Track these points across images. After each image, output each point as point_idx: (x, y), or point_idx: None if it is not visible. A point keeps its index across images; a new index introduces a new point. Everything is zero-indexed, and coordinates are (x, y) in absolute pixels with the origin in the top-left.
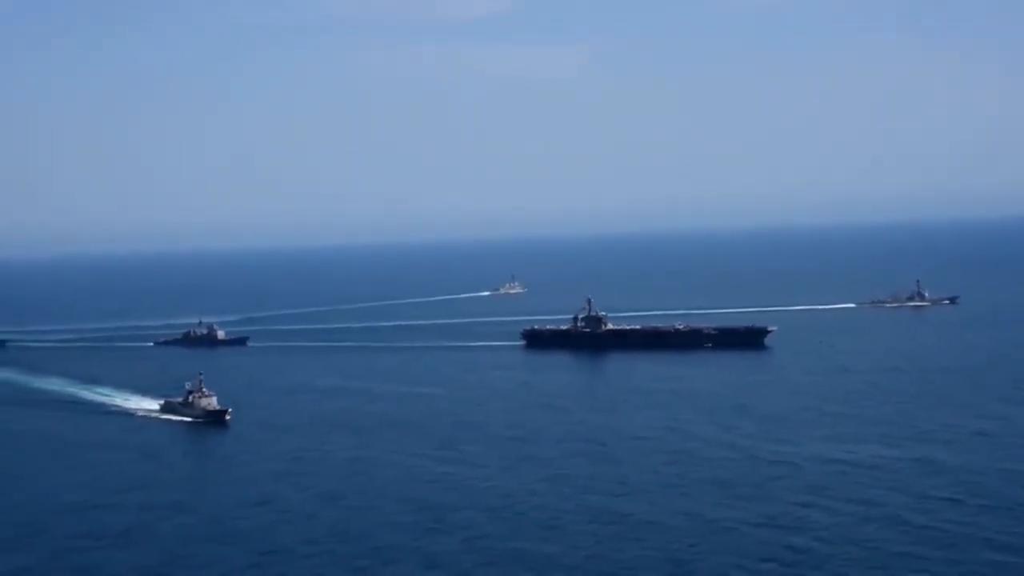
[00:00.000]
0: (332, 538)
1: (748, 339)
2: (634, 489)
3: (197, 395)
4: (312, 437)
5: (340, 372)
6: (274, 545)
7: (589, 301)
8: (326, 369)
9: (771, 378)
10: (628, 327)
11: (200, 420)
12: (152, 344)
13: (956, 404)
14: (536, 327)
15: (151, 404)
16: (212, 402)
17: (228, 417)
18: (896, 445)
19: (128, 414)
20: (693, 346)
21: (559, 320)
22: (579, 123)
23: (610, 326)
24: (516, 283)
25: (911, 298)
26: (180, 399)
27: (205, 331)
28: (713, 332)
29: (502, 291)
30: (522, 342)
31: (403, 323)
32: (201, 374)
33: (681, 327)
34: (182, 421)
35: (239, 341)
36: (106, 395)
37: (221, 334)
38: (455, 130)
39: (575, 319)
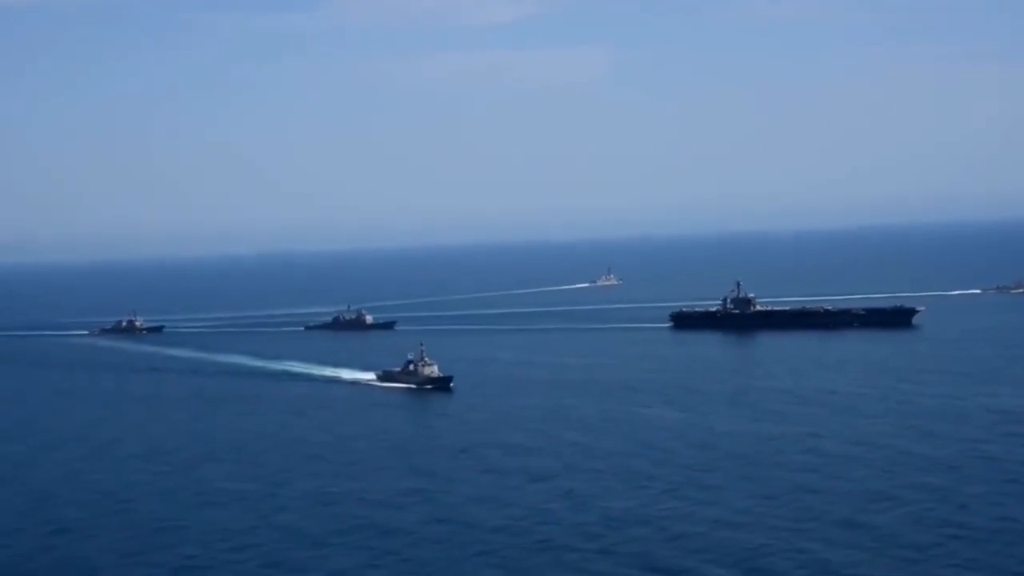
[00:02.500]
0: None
1: (897, 319)
2: (828, 431)
3: (420, 364)
4: (534, 396)
5: (510, 349)
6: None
7: (738, 284)
8: (494, 347)
9: (928, 350)
10: (776, 308)
11: (426, 387)
12: (303, 328)
13: None
14: (684, 309)
15: (359, 375)
16: (435, 370)
17: (452, 384)
18: None
19: (340, 382)
20: (841, 326)
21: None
22: (597, 128)
23: (758, 307)
24: (612, 275)
25: None
26: (399, 368)
27: (354, 316)
28: (862, 312)
29: (599, 283)
30: (669, 324)
31: (538, 309)
32: (422, 344)
33: (829, 307)
34: (404, 388)
35: (387, 325)
36: (302, 368)
37: (369, 319)
38: (472, 135)
39: (724, 301)
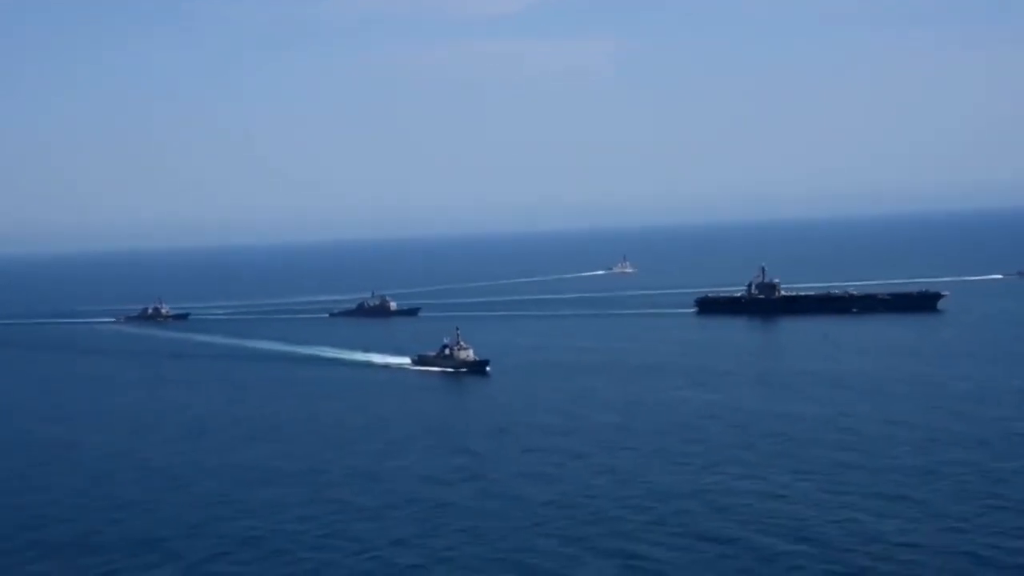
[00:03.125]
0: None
1: (922, 303)
2: (859, 412)
3: (456, 348)
4: (568, 379)
5: (535, 334)
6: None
7: (763, 269)
8: (519, 333)
9: (954, 334)
10: (801, 293)
11: (462, 370)
12: (327, 315)
13: None
14: (709, 295)
15: (391, 359)
16: (470, 354)
17: (488, 368)
18: None
19: (373, 366)
20: (866, 310)
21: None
22: (600, 118)
23: (783, 292)
24: (627, 263)
25: None
26: (434, 353)
27: (378, 302)
28: (887, 297)
29: (616, 270)
30: (694, 309)
31: (559, 296)
32: (458, 328)
33: (855, 292)
34: (440, 371)
35: (410, 312)
36: (333, 353)
37: (393, 305)
38: (473, 125)
39: (749, 286)
